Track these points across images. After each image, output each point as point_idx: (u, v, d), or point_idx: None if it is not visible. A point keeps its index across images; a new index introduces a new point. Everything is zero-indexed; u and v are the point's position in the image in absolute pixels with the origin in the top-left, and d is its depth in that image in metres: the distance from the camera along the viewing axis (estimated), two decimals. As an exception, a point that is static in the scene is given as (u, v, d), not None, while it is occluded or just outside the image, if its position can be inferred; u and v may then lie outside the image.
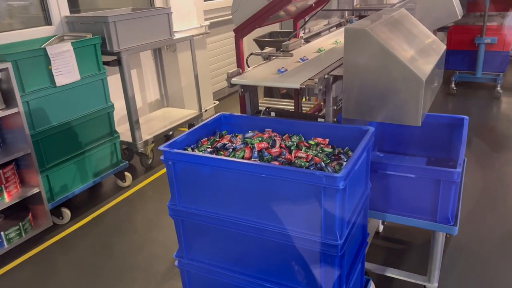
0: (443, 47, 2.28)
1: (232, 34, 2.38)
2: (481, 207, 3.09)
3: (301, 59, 2.44)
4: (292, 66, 2.34)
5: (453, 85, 5.68)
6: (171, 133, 4.42)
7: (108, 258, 2.82)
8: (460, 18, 3.36)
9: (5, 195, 2.81)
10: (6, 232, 2.81)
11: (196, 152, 1.87)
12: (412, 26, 2.25)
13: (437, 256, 2.11)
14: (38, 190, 2.94)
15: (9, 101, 2.75)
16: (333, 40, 3.00)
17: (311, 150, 1.88)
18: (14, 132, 2.85)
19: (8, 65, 2.66)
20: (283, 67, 2.28)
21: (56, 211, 3.16)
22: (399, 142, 2.72)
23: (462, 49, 5.73)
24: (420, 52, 2.00)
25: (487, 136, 4.33)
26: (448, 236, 2.66)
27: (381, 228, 2.89)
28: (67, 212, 3.23)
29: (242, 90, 2.17)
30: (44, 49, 2.90)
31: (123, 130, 3.96)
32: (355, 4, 4.20)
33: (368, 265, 2.37)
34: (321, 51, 2.61)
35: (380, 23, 1.94)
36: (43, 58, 2.91)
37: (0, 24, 3.48)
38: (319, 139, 1.96)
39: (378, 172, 2.00)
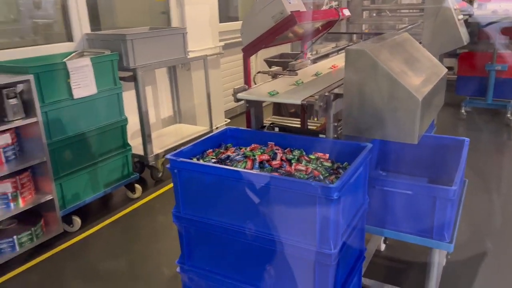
0: (444, 70, 2.35)
1: (246, 55, 2.48)
2: (484, 231, 3.09)
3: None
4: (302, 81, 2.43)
5: (463, 111, 5.71)
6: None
7: (114, 267, 2.90)
8: (465, 44, 3.45)
9: (20, 200, 2.93)
10: (19, 236, 2.92)
11: (201, 162, 1.96)
12: (414, 50, 2.34)
13: (433, 274, 2.13)
14: (51, 197, 3.06)
15: (28, 111, 2.90)
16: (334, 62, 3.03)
17: (311, 164, 1.95)
18: (32, 140, 2.99)
19: (30, 77, 2.82)
20: (300, 79, 2.39)
21: (67, 219, 3.26)
22: (403, 162, 2.76)
23: (472, 75, 5.77)
24: (420, 74, 2.08)
25: (495, 161, 4.34)
26: (449, 256, 2.67)
27: (383, 247, 2.91)
28: (77, 220, 3.33)
29: (247, 105, 2.28)
30: (64, 63, 3.07)
31: (136, 144, 4.08)
32: (363, 28, 4.32)
33: (367, 281, 2.40)
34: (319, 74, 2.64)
35: (381, 45, 2.03)
36: (63, 72, 3.07)
37: (26, 40, 3.70)
38: (320, 154, 2.03)
39: (376, 187, 2.06)
